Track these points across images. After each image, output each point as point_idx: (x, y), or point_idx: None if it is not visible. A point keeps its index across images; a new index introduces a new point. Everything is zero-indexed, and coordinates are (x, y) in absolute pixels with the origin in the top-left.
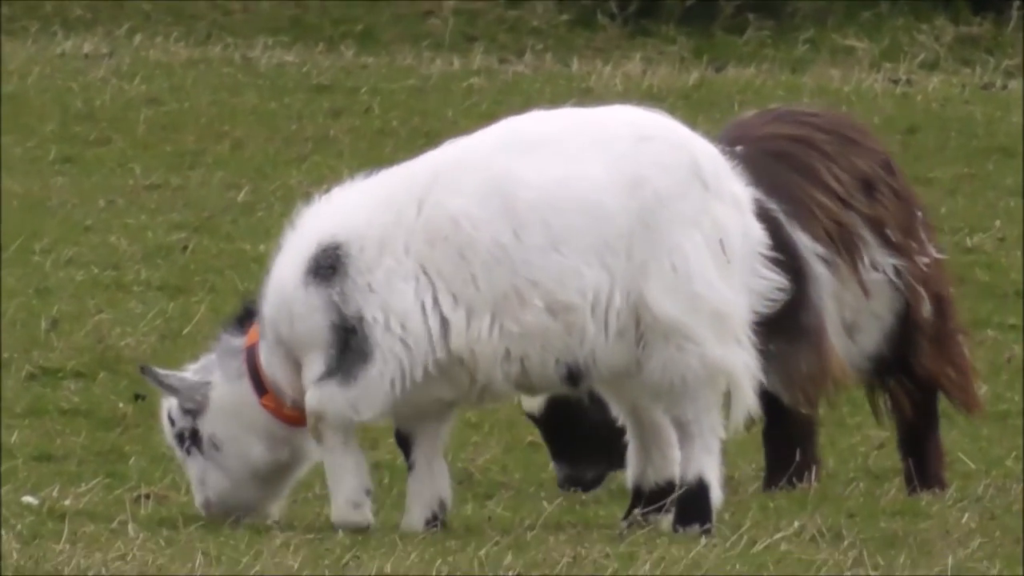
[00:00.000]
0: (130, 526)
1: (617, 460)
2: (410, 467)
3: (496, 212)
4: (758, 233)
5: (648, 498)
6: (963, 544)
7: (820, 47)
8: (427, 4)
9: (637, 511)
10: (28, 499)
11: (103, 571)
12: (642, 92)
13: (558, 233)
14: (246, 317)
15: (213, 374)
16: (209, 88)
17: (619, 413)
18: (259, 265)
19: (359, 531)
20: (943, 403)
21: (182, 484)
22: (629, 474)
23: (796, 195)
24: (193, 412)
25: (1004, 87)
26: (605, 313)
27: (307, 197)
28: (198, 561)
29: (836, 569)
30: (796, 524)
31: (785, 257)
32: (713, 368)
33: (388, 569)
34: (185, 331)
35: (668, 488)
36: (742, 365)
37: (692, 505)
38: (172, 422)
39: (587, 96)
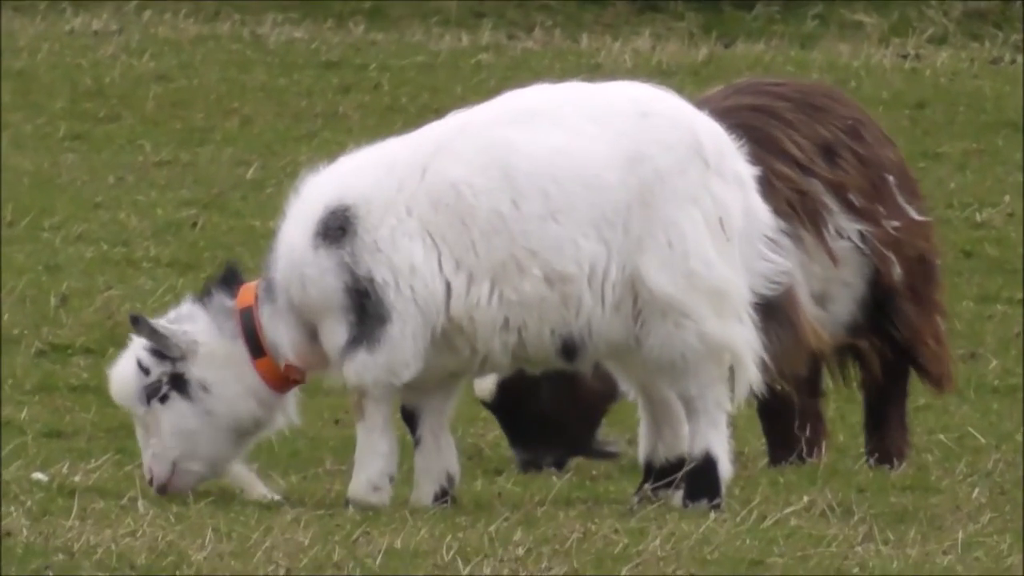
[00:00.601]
0: (140, 502)
1: (577, 445)
2: (417, 443)
3: (496, 181)
4: (763, 213)
5: (658, 473)
6: (973, 519)
7: (829, 22)
8: None
9: (647, 486)
10: (38, 475)
11: (113, 547)
12: (651, 68)
13: (556, 203)
14: (232, 279)
15: (197, 323)
16: (218, 65)
17: (628, 389)
18: (268, 241)
19: (370, 508)
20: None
21: None
22: (640, 450)
23: (756, 167)
24: (174, 358)
25: (1013, 62)
26: (601, 286)
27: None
28: (208, 537)
29: (846, 544)
30: (806, 499)
31: None
32: (712, 344)
33: (398, 545)
34: None
35: (679, 464)
36: (742, 340)
37: (700, 480)
38: (145, 371)
39: (596, 72)
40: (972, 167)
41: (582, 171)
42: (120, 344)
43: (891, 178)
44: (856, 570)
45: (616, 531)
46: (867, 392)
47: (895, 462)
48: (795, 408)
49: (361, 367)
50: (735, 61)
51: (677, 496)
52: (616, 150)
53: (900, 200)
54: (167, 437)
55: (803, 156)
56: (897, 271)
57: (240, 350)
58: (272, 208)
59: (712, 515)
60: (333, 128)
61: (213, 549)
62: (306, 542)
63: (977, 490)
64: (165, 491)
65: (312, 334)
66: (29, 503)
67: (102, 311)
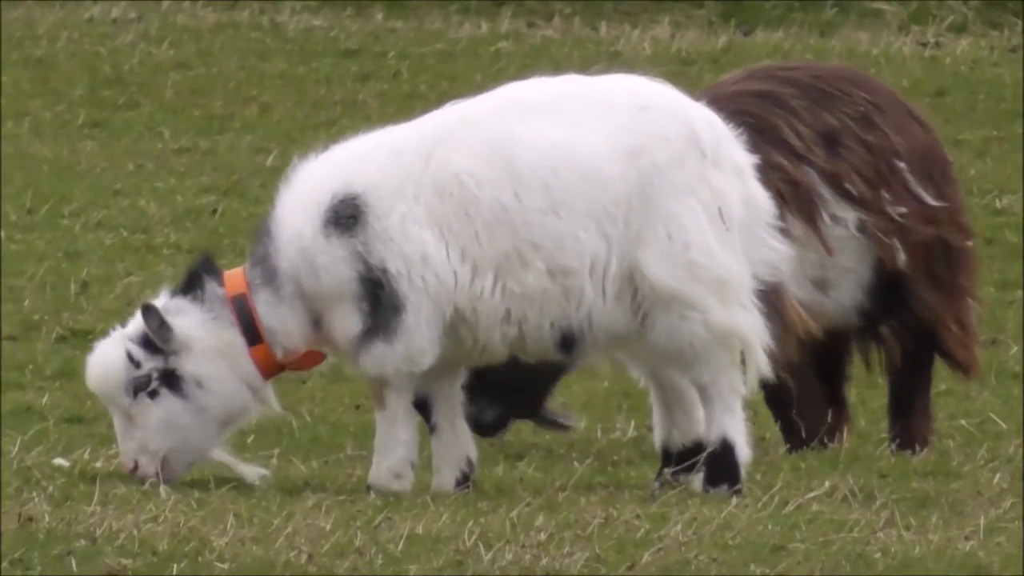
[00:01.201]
0: (161, 488)
1: (521, 409)
2: (432, 430)
3: (498, 172)
4: (764, 201)
5: (677, 459)
6: (995, 504)
7: (848, 10)
8: None
9: (667, 471)
10: (59, 461)
11: (135, 533)
12: (670, 56)
13: (558, 197)
14: (214, 268)
15: (189, 317)
16: (237, 53)
17: (640, 376)
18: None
19: (391, 495)
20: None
21: None
22: (656, 436)
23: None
24: (167, 353)
25: None
26: (603, 279)
27: None
28: (230, 522)
29: (868, 529)
30: (827, 484)
31: None
32: (720, 332)
33: (420, 530)
34: None
35: (695, 448)
36: (750, 327)
37: (719, 466)
38: (136, 363)
39: (615, 60)
40: (992, 155)
41: (583, 164)
42: None
43: (902, 164)
44: (878, 555)
45: (638, 516)
46: (891, 378)
47: (917, 448)
48: (793, 394)
49: (380, 358)
50: (754, 49)
51: (697, 480)
52: (615, 144)
53: (913, 185)
54: (156, 431)
55: (801, 145)
56: (902, 257)
57: (236, 339)
58: None
59: (734, 500)
60: (352, 116)
61: (235, 534)
62: (328, 527)
63: (999, 475)
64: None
65: (316, 321)
66: (51, 489)
67: (122, 297)
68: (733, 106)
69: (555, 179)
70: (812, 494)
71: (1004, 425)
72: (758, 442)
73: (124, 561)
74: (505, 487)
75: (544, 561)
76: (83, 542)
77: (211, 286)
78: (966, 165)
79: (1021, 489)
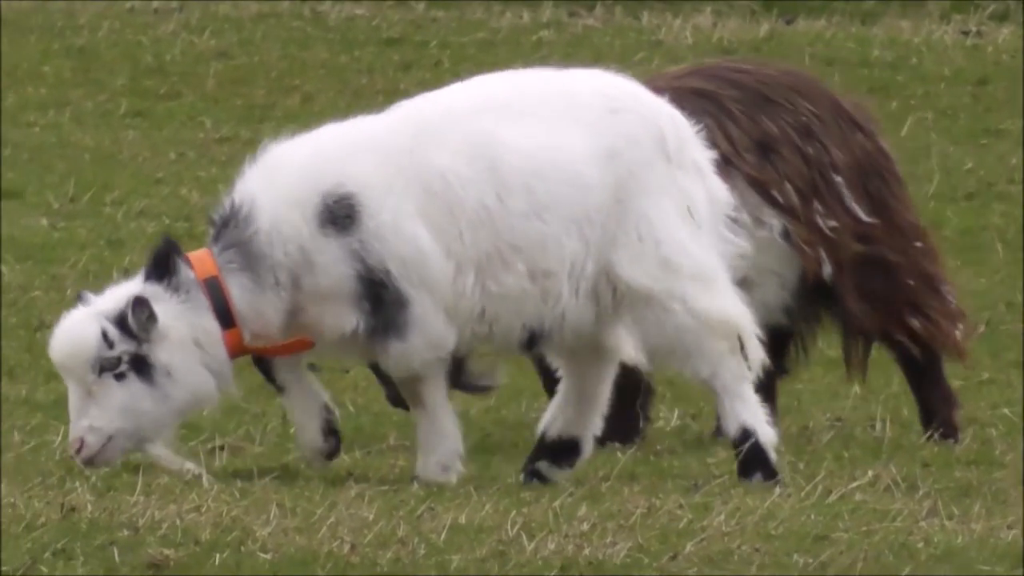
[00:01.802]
0: (204, 477)
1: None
2: (280, 390)
3: (482, 174)
4: (723, 195)
5: (549, 447)
6: None
7: None
8: None
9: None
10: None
11: (178, 522)
12: (712, 45)
13: (541, 201)
14: (179, 252)
15: (163, 305)
16: (279, 42)
17: (556, 363)
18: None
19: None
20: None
21: (256, 435)
22: (542, 421)
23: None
24: (139, 338)
25: None
26: (578, 280)
27: None
28: (273, 512)
29: (911, 519)
30: (870, 474)
31: None
32: (707, 319)
33: (463, 520)
34: None
35: (568, 444)
36: (739, 313)
37: (747, 456)
38: (109, 344)
39: (657, 49)
40: None
41: (565, 168)
42: None
43: (839, 178)
44: (921, 545)
45: (681, 506)
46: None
47: (955, 435)
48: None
49: (401, 356)
50: (796, 38)
51: (563, 474)
52: (592, 147)
53: (847, 200)
54: (113, 412)
55: (729, 149)
56: (827, 269)
57: (211, 325)
58: None
59: (776, 490)
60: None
61: (278, 524)
62: (371, 517)
63: None
64: (91, 463)
65: (294, 312)
66: (94, 479)
67: None
68: (668, 100)
69: (539, 183)
70: (855, 484)
71: None
72: (801, 431)
73: (167, 551)
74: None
75: (587, 551)
76: (126, 532)
77: (184, 270)
78: (1007, 153)
79: None
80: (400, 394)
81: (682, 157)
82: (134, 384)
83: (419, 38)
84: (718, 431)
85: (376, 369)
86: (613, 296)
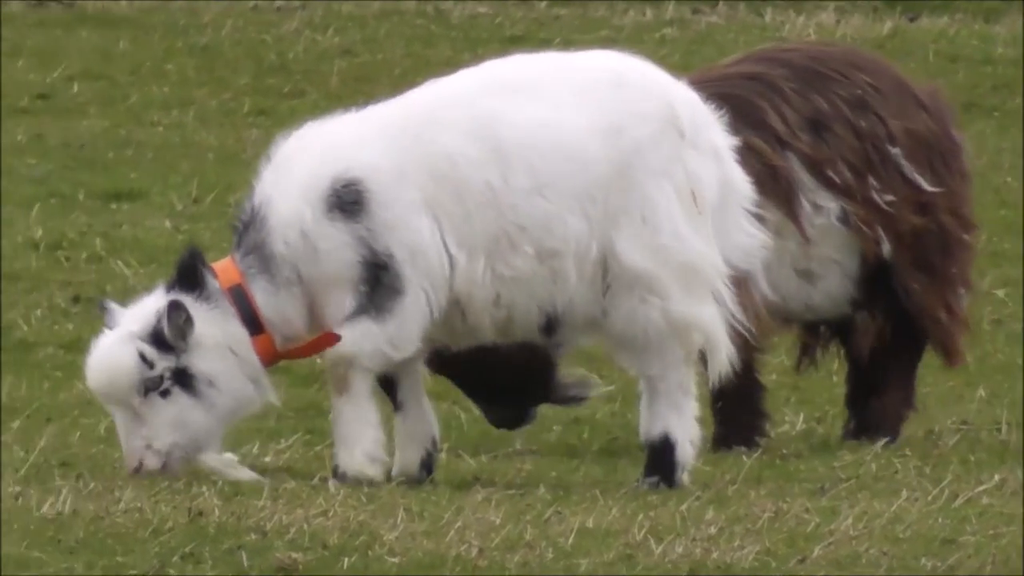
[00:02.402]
0: (331, 482)
1: (533, 396)
2: (398, 408)
3: (486, 153)
4: (743, 185)
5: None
6: None
7: None
8: None
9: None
10: (229, 456)
11: (305, 527)
12: (836, 42)
13: (543, 177)
14: (205, 262)
15: (197, 313)
16: (402, 40)
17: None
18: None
19: (366, 482)
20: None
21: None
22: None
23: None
24: (178, 351)
25: None
26: (583, 261)
27: None
28: (400, 516)
29: None
30: (997, 478)
31: None
32: (676, 323)
33: (590, 524)
34: None
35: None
36: (709, 319)
37: (656, 460)
38: (149, 364)
39: None
40: None
41: (567, 144)
42: None
43: (896, 149)
44: None
45: (807, 510)
46: (853, 364)
47: (881, 433)
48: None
49: (362, 336)
50: (919, 35)
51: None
52: (596, 122)
53: (907, 171)
54: (166, 429)
55: (784, 129)
56: (887, 247)
57: (240, 332)
58: None
59: (904, 494)
60: None
61: (405, 528)
62: (498, 521)
63: None
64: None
65: (312, 306)
66: (221, 483)
67: None
68: (719, 88)
69: (540, 159)
70: (982, 487)
71: None
72: (927, 435)
73: (295, 555)
74: None
75: (715, 555)
76: (253, 536)
77: (209, 281)
78: None
79: None
80: (503, 416)
81: (698, 138)
82: (180, 398)
83: (542, 36)
84: (847, 434)
85: (476, 395)
86: (604, 277)
